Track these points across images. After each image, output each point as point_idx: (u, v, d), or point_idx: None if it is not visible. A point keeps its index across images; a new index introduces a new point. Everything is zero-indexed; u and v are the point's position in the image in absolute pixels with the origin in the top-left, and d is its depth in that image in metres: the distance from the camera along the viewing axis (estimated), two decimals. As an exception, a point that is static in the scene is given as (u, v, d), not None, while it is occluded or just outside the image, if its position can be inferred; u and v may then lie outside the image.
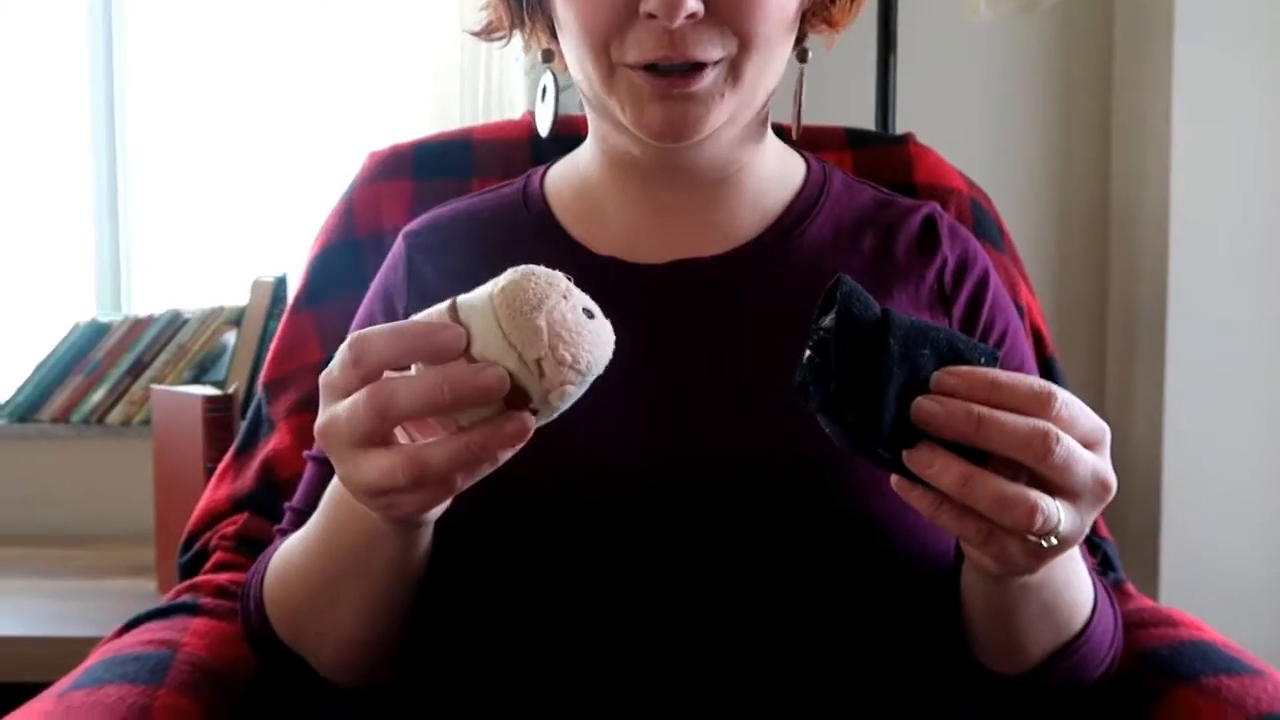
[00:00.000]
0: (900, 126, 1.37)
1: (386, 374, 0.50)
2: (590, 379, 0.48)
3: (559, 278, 0.49)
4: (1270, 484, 1.53)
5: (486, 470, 0.49)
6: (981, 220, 0.90)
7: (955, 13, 1.44)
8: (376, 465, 0.49)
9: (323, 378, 0.51)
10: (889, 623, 0.65)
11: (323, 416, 0.51)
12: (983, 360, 0.50)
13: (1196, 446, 1.51)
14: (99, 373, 1.66)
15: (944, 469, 0.48)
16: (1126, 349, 1.60)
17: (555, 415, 0.49)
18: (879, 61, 1.40)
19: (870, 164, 0.90)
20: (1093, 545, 0.82)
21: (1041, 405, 0.48)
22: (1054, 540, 0.49)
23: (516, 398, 0.47)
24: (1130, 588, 0.82)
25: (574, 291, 0.49)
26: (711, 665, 0.63)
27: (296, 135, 1.77)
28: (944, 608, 0.65)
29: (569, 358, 0.47)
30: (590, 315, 0.49)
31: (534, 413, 0.48)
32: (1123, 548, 0.88)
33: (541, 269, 0.49)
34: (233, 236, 1.81)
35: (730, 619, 0.63)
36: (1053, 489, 0.48)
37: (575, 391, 0.48)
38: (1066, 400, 0.49)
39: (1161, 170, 1.51)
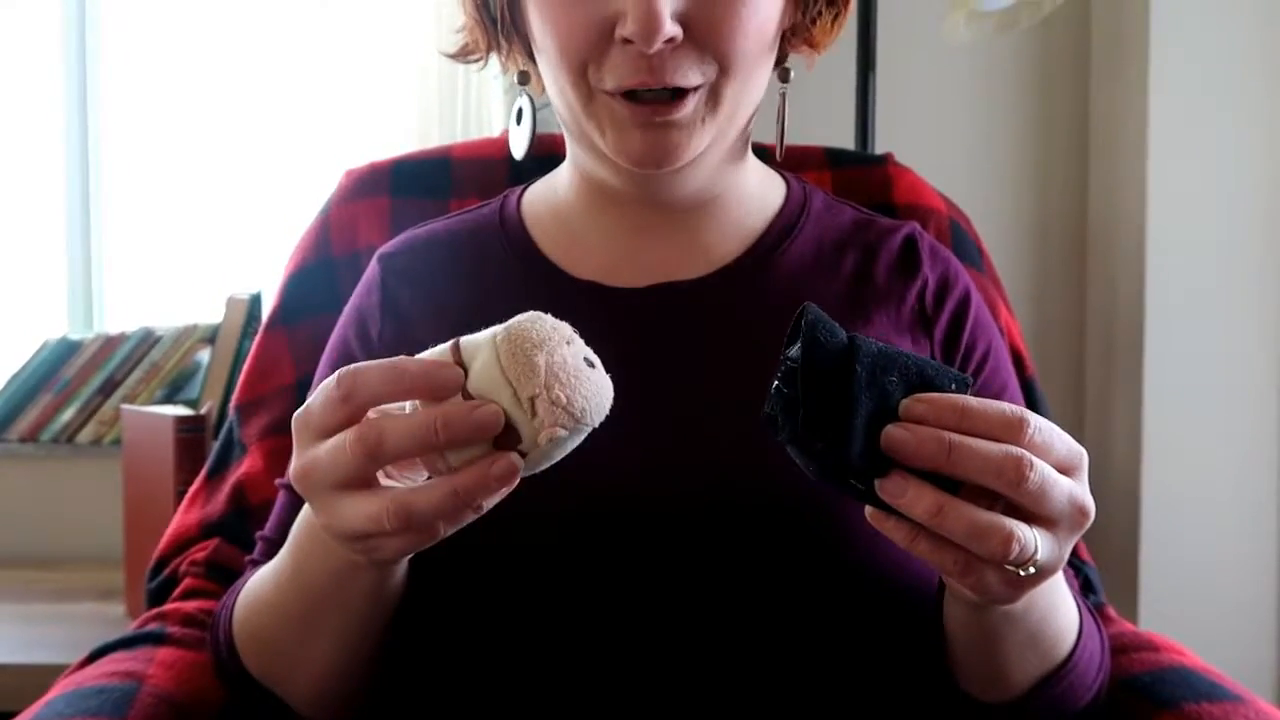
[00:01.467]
0: (879, 146, 1.38)
1: (373, 413, 0.49)
2: (584, 430, 0.48)
3: (565, 326, 0.49)
4: (1251, 503, 1.54)
5: (470, 518, 0.48)
6: (961, 241, 0.90)
7: (934, 32, 1.45)
8: (360, 510, 0.47)
9: (299, 418, 0.50)
10: (873, 648, 0.65)
11: (301, 459, 0.49)
12: (953, 386, 0.50)
13: (1176, 465, 1.51)
14: (69, 391, 1.64)
15: (916, 498, 0.47)
16: (1105, 368, 1.61)
17: (544, 464, 0.48)
18: (858, 81, 1.40)
19: (849, 184, 0.90)
20: (1074, 569, 0.81)
21: (1014, 431, 0.47)
22: (1032, 569, 0.48)
23: (507, 439, 0.47)
24: (1111, 612, 0.82)
25: (578, 341, 0.49)
26: (694, 688, 0.62)
27: (273, 151, 1.76)
28: (928, 635, 0.64)
29: (564, 399, 0.46)
30: (591, 365, 0.49)
31: (522, 455, 0.47)
32: (1102, 569, 0.88)
33: (549, 317, 0.49)
34: (207, 253, 1.80)
35: (712, 643, 0.62)
36: (1029, 516, 0.48)
37: (566, 438, 0.47)
38: (1040, 425, 0.48)
39: (1138, 187, 1.52)
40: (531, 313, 0.49)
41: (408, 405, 0.49)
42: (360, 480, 0.48)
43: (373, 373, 0.47)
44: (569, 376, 0.47)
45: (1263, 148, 1.51)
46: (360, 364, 0.48)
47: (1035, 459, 0.47)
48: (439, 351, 0.49)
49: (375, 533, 0.48)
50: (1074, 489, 0.49)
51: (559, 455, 0.48)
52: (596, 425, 0.48)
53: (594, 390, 0.48)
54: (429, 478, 0.50)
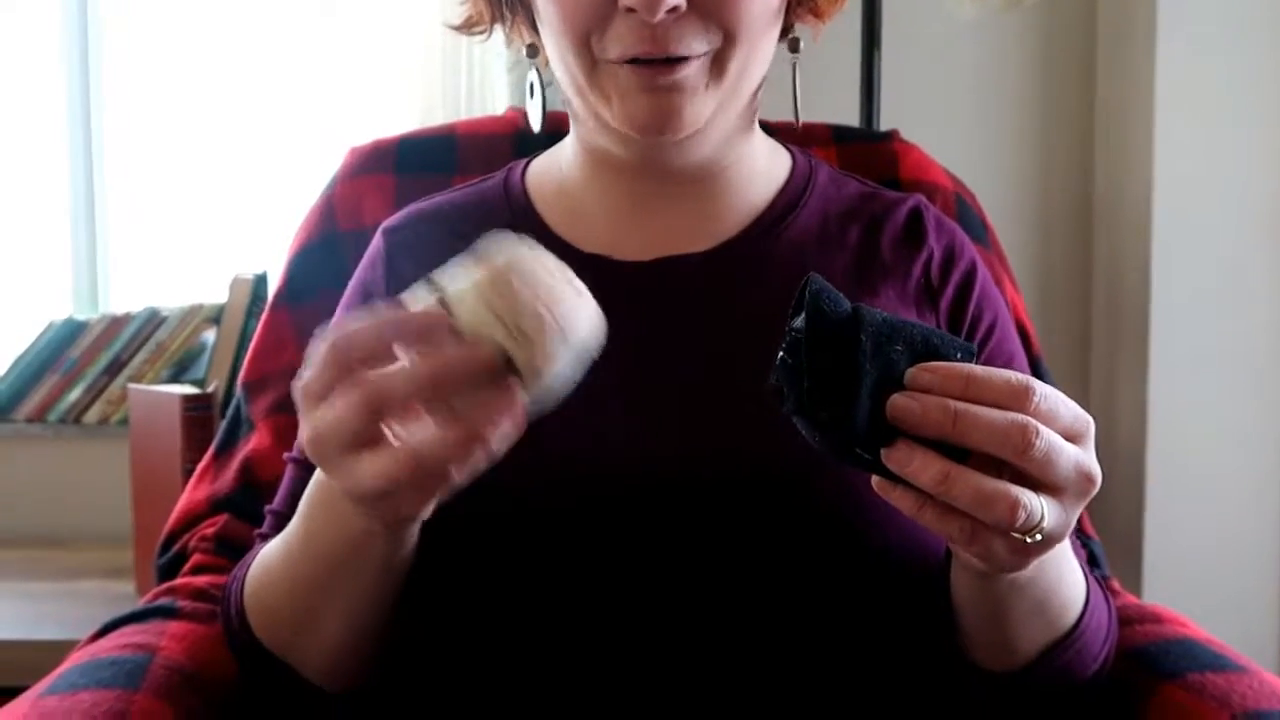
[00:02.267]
0: (885, 123, 1.37)
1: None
2: (577, 353, 0.48)
3: (542, 249, 0.49)
4: (1254, 478, 1.54)
5: (483, 462, 0.48)
6: (966, 216, 0.90)
7: (939, 9, 1.44)
8: (375, 468, 0.48)
9: (298, 388, 0.50)
10: (881, 620, 0.65)
11: (308, 427, 0.49)
12: (959, 356, 0.50)
13: (1181, 442, 1.52)
14: (75, 371, 1.64)
15: (923, 467, 0.47)
16: (1110, 345, 1.61)
17: (548, 397, 0.48)
18: (863, 58, 1.40)
19: (855, 160, 0.90)
20: (1080, 542, 0.82)
21: (1019, 399, 0.47)
22: (1039, 536, 0.48)
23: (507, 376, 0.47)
24: (1115, 584, 0.82)
25: (561, 266, 0.49)
26: (702, 663, 0.62)
27: (277, 130, 1.75)
28: (936, 605, 0.64)
29: (552, 320, 0.46)
30: (578, 293, 0.49)
31: (522, 386, 0.47)
32: (1107, 544, 0.88)
33: (527, 240, 0.49)
34: (212, 233, 1.79)
35: (721, 617, 0.62)
36: (1035, 484, 0.48)
37: (564, 361, 0.47)
38: (1045, 393, 0.48)
39: (1144, 165, 1.52)
40: (501, 235, 0.48)
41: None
42: (369, 437, 0.48)
43: (358, 331, 0.47)
44: (555, 301, 0.47)
45: (1269, 125, 1.51)
46: (346, 326, 0.48)
47: (1041, 426, 0.47)
48: (420, 296, 0.49)
49: (392, 488, 0.48)
50: (1080, 456, 0.49)
51: (560, 386, 0.48)
52: (592, 350, 0.48)
53: (581, 311, 0.48)
54: None
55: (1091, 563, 0.82)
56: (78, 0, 1.76)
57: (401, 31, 1.60)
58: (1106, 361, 1.61)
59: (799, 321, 0.49)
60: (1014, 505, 0.47)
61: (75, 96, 1.78)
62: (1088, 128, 1.64)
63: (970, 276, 0.73)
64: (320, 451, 0.49)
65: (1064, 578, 0.60)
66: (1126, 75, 1.56)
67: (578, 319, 0.48)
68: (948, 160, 0.95)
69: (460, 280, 0.48)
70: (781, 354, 0.49)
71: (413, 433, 0.50)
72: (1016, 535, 0.48)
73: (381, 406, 0.47)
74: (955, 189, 0.91)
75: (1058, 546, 0.58)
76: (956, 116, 1.63)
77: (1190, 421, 1.52)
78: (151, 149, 1.80)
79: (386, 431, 0.49)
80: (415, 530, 0.58)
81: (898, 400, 0.47)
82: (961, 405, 0.47)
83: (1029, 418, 0.47)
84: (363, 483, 0.48)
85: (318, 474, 0.58)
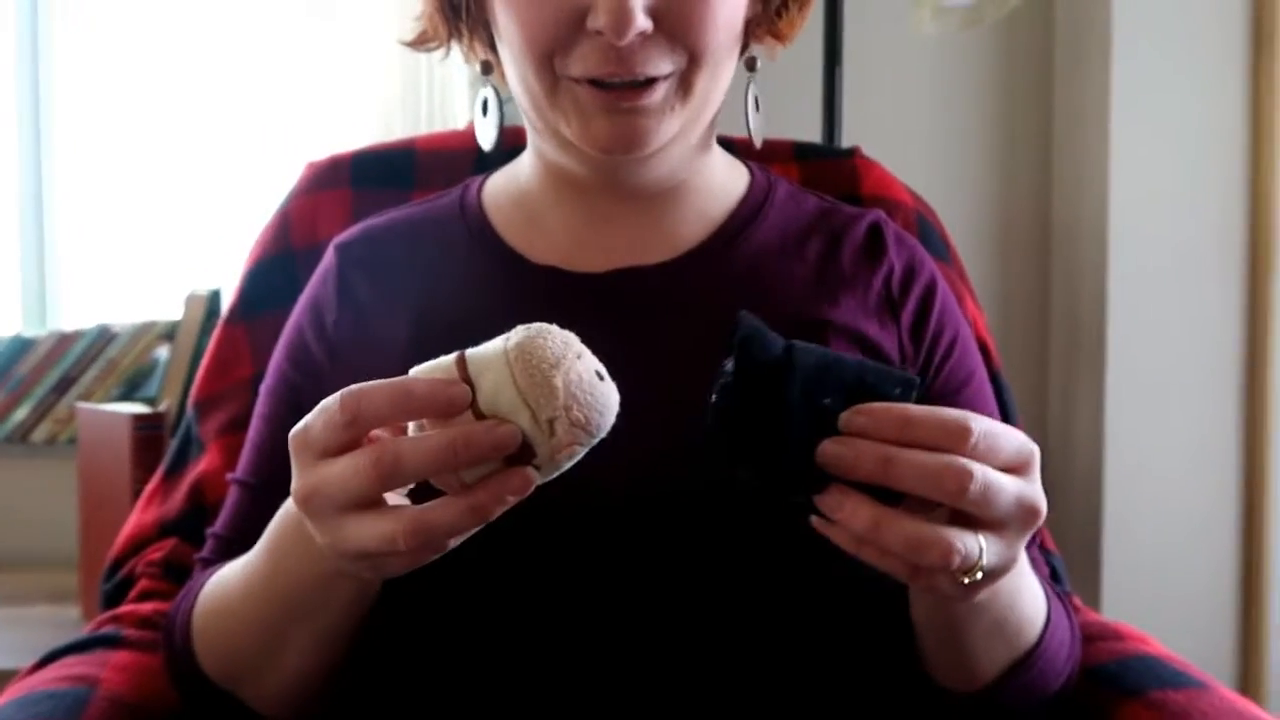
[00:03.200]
0: (846, 140, 1.38)
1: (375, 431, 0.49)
2: (596, 441, 0.48)
3: (573, 338, 0.49)
4: (1211, 494, 1.56)
5: (478, 529, 0.48)
6: (927, 234, 0.90)
7: (900, 27, 1.45)
8: (373, 531, 0.47)
9: (297, 436, 0.49)
10: (845, 636, 0.64)
11: (305, 480, 0.48)
12: (897, 391, 0.49)
13: (1138, 458, 1.53)
14: (23, 389, 1.60)
15: (854, 513, 0.47)
16: (1068, 361, 1.63)
17: (554, 475, 0.48)
18: (825, 75, 1.40)
19: (817, 177, 0.90)
20: (1042, 559, 0.82)
21: (955, 439, 0.47)
22: (979, 575, 0.48)
23: (521, 454, 0.47)
24: (1077, 601, 0.82)
25: (586, 352, 0.49)
26: (663, 678, 0.62)
27: (233, 144, 1.72)
28: (899, 624, 0.64)
29: (582, 419, 0.46)
30: (601, 378, 0.48)
31: (536, 468, 0.47)
32: (1065, 559, 0.88)
33: (556, 328, 0.48)
34: (165, 248, 1.76)
35: (682, 631, 0.62)
36: (975, 522, 0.48)
37: (580, 453, 0.48)
38: (984, 430, 0.48)
39: (1101, 184, 1.54)
40: (538, 325, 0.48)
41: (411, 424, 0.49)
42: (371, 501, 0.47)
43: (378, 394, 0.47)
44: (585, 395, 0.47)
45: (1223, 143, 1.54)
46: (364, 385, 0.47)
47: (976, 466, 0.47)
48: (443, 365, 0.48)
49: (387, 551, 0.47)
50: (1022, 490, 0.48)
51: (569, 466, 0.48)
52: (605, 436, 0.49)
53: (606, 405, 0.48)
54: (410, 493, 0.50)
55: (1054, 578, 0.82)
56: (28, 9, 1.73)
57: (361, 45, 1.58)
58: (1064, 378, 1.63)
59: (730, 365, 0.49)
60: (946, 551, 0.46)
61: (24, 105, 1.74)
62: (1046, 146, 1.67)
63: (931, 292, 0.73)
64: (314, 507, 0.48)
65: (1020, 595, 0.60)
66: (1084, 94, 1.58)
67: (606, 415, 0.48)
68: (908, 178, 0.95)
69: (488, 354, 0.48)
70: (713, 398, 0.49)
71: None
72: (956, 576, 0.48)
73: (394, 475, 0.46)
74: (916, 206, 0.92)
75: (1013, 570, 0.58)
76: (917, 134, 1.64)
77: (1147, 438, 1.53)
78: (103, 161, 1.76)
79: (388, 496, 0.49)
80: None
81: (828, 447, 0.47)
82: (894, 450, 0.47)
83: (964, 460, 0.47)
84: (355, 543, 0.48)
85: (284, 510, 0.56)
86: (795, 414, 0.47)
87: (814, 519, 0.49)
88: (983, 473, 0.47)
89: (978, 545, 0.47)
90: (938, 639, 0.60)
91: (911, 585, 0.50)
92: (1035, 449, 0.50)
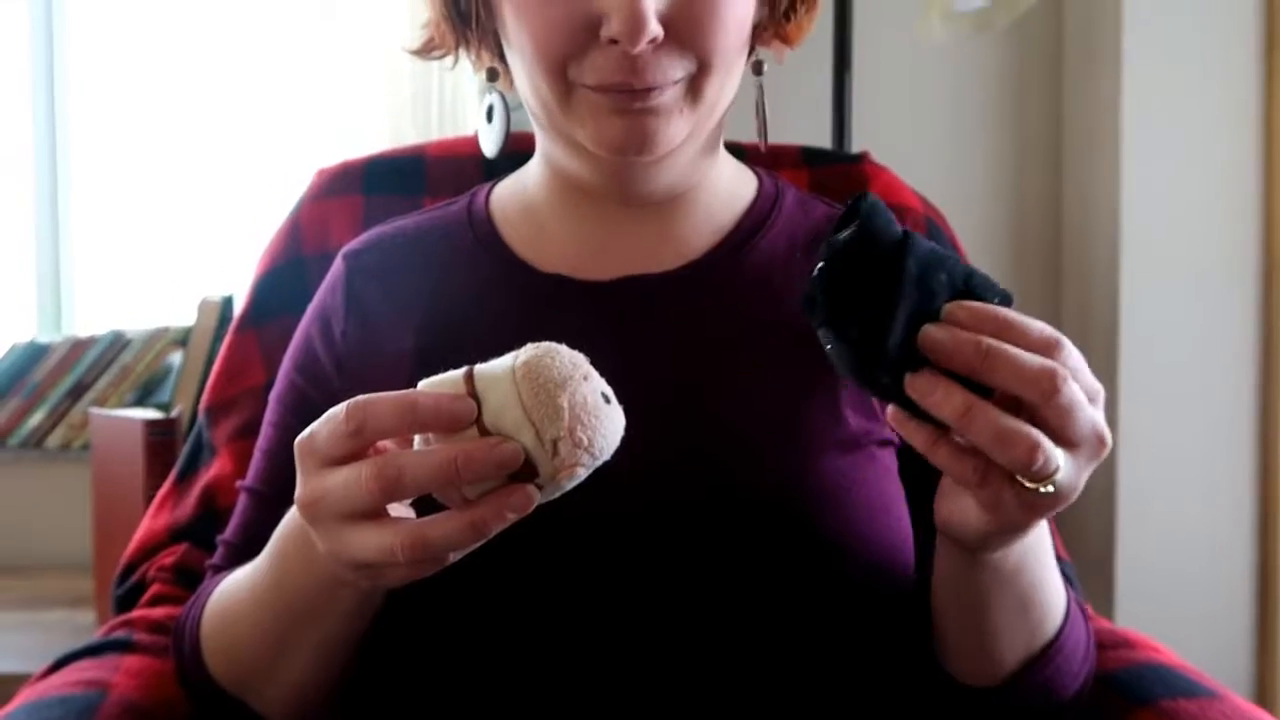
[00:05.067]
0: (856, 145, 1.38)
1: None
2: (599, 463, 0.48)
3: (581, 358, 0.49)
4: (1225, 501, 1.55)
5: (478, 544, 0.48)
6: (937, 239, 0.90)
7: (910, 32, 1.45)
8: (372, 542, 0.47)
9: (303, 443, 0.49)
10: (858, 639, 0.64)
11: (308, 487, 0.49)
12: (997, 300, 0.50)
13: (1151, 466, 1.52)
14: (38, 395, 1.61)
15: (946, 397, 0.47)
16: (1080, 366, 1.61)
17: (557, 494, 0.48)
18: (834, 80, 1.40)
19: (826, 182, 0.90)
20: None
21: (1050, 349, 0.48)
22: (1050, 488, 0.48)
23: (523, 472, 0.47)
24: (1089, 609, 0.82)
25: (593, 374, 0.49)
26: (678, 681, 0.61)
27: (246, 150, 1.74)
28: (914, 622, 0.63)
29: (585, 440, 0.47)
30: (607, 400, 0.49)
31: (538, 487, 0.47)
32: (1078, 567, 0.88)
33: (564, 348, 0.49)
34: (179, 254, 1.77)
35: (693, 637, 0.62)
36: (1053, 434, 0.48)
37: (583, 474, 0.48)
38: (1073, 351, 0.48)
39: (1112, 190, 1.53)
40: (546, 344, 0.48)
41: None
42: (372, 512, 0.48)
43: (384, 406, 0.47)
44: (590, 417, 0.47)
45: (1235, 149, 1.53)
46: (371, 396, 0.47)
47: (1069, 376, 0.47)
48: (451, 380, 0.48)
49: (386, 562, 0.47)
50: (1096, 415, 0.49)
51: (571, 486, 0.48)
52: (609, 458, 0.49)
53: (611, 427, 0.48)
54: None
55: (1067, 585, 0.82)
56: (44, 20, 1.75)
57: (372, 51, 1.59)
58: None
59: (846, 234, 0.48)
60: (1033, 446, 0.46)
61: (40, 115, 1.76)
62: (1057, 151, 1.66)
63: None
64: (317, 514, 0.49)
65: (1048, 581, 0.60)
66: (1094, 99, 1.58)
67: (610, 438, 0.48)
68: (918, 183, 0.95)
69: (496, 371, 0.48)
70: (822, 265, 0.48)
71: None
72: (1028, 486, 0.48)
73: (397, 488, 0.46)
74: (926, 211, 0.91)
75: (1044, 545, 0.58)
76: (927, 139, 1.64)
77: (1161, 446, 1.52)
78: (117, 169, 1.77)
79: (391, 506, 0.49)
80: None
81: (931, 330, 0.47)
82: (994, 342, 0.47)
83: (1058, 365, 0.47)
84: (354, 552, 0.48)
85: (290, 517, 0.56)
86: (906, 292, 0.47)
87: (891, 411, 0.49)
88: (1072, 383, 0.47)
89: (1057, 453, 0.47)
90: (960, 617, 0.60)
91: (975, 494, 0.49)
92: (1102, 389, 0.50)
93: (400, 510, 0.51)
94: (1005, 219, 1.67)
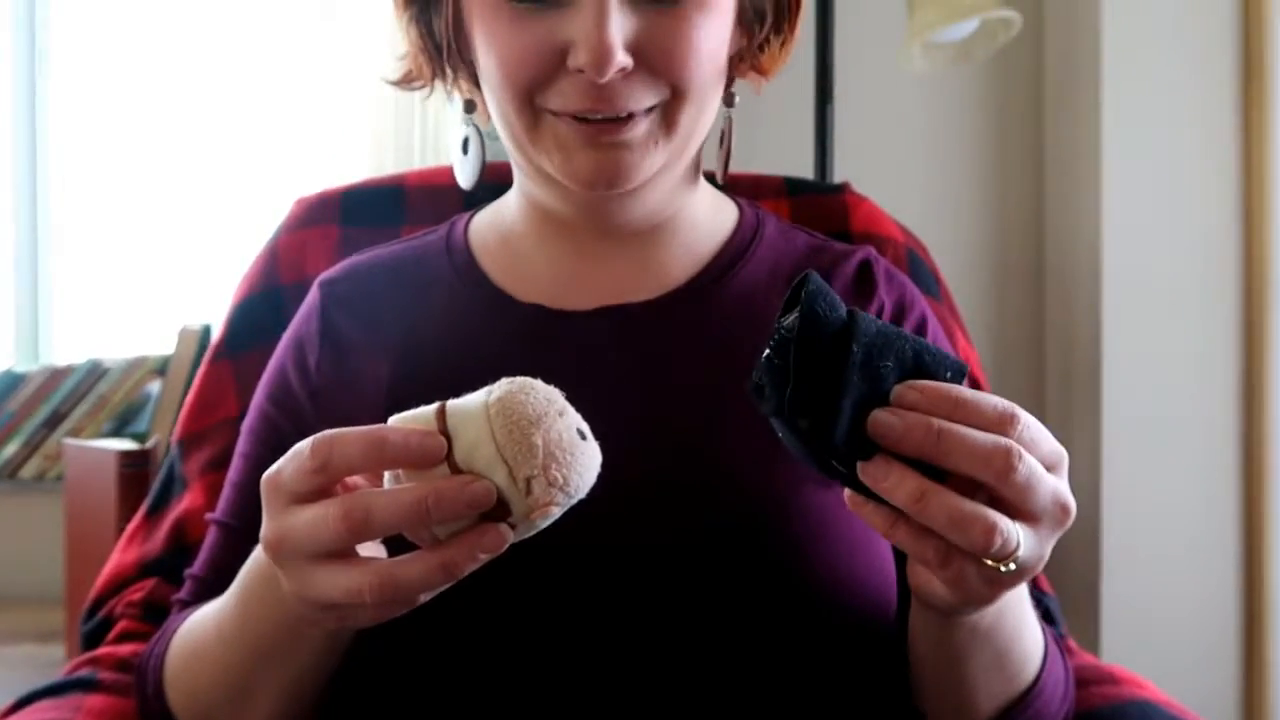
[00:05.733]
0: (838, 176, 1.38)
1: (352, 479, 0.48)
2: (574, 501, 0.47)
3: (556, 394, 0.48)
4: (1209, 535, 1.54)
5: (449, 585, 0.47)
6: (918, 270, 0.90)
7: (891, 63, 1.46)
8: (340, 583, 0.46)
9: (269, 479, 0.48)
10: (836, 676, 0.63)
11: (273, 526, 0.48)
12: (949, 375, 0.49)
13: (1136, 500, 1.52)
14: (13, 425, 1.59)
15: (899, 483, 0.46)
16: (1063, 398, 1.62)
17: (531, 534, 0.47)
18: (816, 111, 1.41)
19: (807, 212, 0.90)
20: (1035, 600, 0.80)
21: (1004, 424, 0.47)
22: (1013, 565, 0.47)
23: (496, 510, 0.46)
24: (1072, 644, 0.81)
25: (569, 410, 0.48)
26: (653, 713, 0.60)
27: (227, 178, 1.73)
28: (892, 663, 0.63)
29: (560, 479, 0.46)
30: (583, 437, 0.48)
31: (511, 526, 0.46)
32: (1063, 601, 0.87)
33: (540, 383, 0.48)
34: (158, 283, 1.76)
35: (670, 672, 0.61)
36: (1012, 511, 0.47)
37: (557, 513, 0.47)
38: (1029, 422, 0.48)
39: (1093, 219, 1.54)
40: (521, 380, 0.47)
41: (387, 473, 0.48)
42: (340, 552, 0.47)
43: (351, 442, 0.46)
44: (564, 454, 0.46)
45: (1214, 174, 1.54)
46: (338, 431, 0.46)
47: (1024, 452, 0.46)
48: (423, 416, 0.47)
49: (354, 604, 0.46)
50: (1058, 485, 0.48)
51: (545, 525, 0.47)
52: (584, 495, 0.48)
53: (586, 464, 0.47)
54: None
55: (1047, 619, 0.81)
56: (25, 42, 1.74)
57: (355, 81, 1.59)
58: (1060, 414, 1.62)
59: (790, 321, 0.48)
60: (990, 529, 0.46)
61: (20, 141, 1.75)
62: (1038, 180, 1.67)
63: (921, 329, 0.72)
64: (282, 554, 0.48)
65: (1024, 630, 0.59)
66: (1074, 128, 1.59)
67: (585, 476, 0.47)
68: (900, 213, 0.95)
69: (469, 407, 0.47)
70: (768, 353, 0.48)
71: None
72: (990, 563, 0.47)
73: (364, 529, 0.45)
74: (907, 242, 0.91)
75: (1020, 596, 0.57)
76: (909, 170, 1.65)
77: (1145, 475, 1.52)
78: (96, 196, 1.77)
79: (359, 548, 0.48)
80: None
81: (880, 416, 0.46)
82: (946, 424, 0.46)
83: (1012, 442, 0.46)
84: (320, 593, 0.47)
85: (256, 554, 0.55)
86: (853, 380, 0.46)
87: (848, 496, 0.48)
88: (1029, 458, 0.46)
89: (1016, 532, 0.46)
90: (937, 671, 0.59)
91: (938, 575, 0.49)
92: (1065, 453, 0.49)
93: (370, 550, 0.50)
94: (988, 247, 1.67)
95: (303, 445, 0.47)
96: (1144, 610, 1.51)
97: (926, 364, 0.48)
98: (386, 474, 0.48)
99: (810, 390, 0.46)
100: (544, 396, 0.47)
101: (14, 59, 1.74)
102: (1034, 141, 1.66)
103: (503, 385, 0.47)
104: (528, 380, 0.47)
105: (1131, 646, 1.48)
